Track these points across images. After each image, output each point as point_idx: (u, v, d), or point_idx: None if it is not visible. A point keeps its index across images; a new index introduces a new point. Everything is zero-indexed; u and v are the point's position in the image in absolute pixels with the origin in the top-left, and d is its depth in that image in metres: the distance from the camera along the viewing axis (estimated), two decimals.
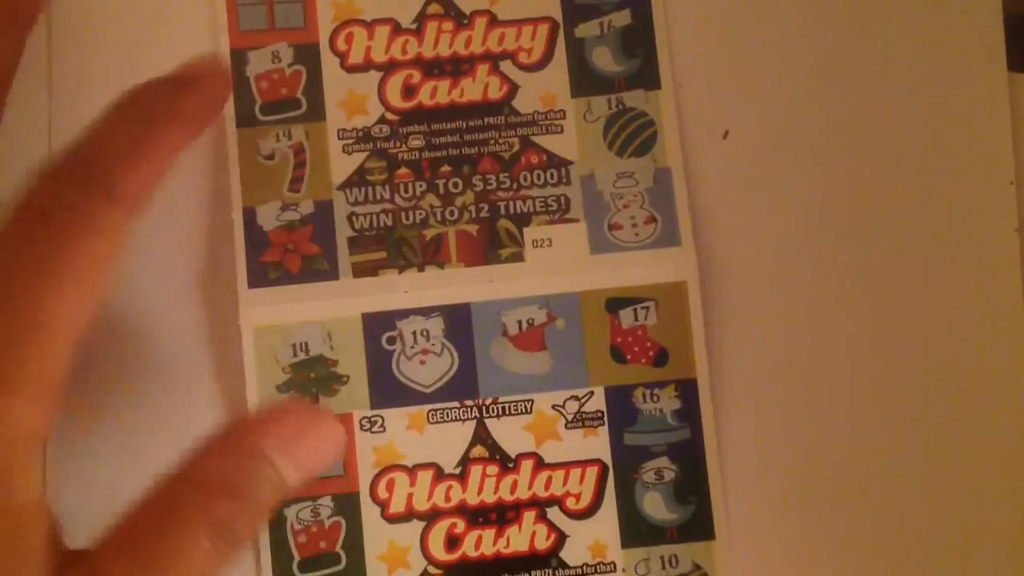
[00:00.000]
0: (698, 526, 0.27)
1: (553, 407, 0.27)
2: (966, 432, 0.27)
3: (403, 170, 0.27)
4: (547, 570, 0.27)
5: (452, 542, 0.27)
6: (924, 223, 0.28)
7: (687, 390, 0.27)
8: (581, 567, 0.27)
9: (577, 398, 0.27)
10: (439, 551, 0.27)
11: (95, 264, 0.21)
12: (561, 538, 0.27)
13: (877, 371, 0.28)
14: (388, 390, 0.27)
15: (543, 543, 0.27)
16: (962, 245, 0.28)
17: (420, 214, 0.27)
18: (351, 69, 0.28)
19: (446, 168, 0.27)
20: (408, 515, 0.27)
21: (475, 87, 0.28)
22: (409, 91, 0.28)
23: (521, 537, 0.27)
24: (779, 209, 0.28)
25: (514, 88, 0.28)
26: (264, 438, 0.22)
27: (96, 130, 0.22)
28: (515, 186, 0.28)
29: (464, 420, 0.27)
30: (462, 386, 0.27)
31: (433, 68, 0.28)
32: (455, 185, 0.27)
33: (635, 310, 0.27)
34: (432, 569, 0.27)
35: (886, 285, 0.28)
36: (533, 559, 0.27)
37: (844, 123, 0.28)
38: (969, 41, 0.28)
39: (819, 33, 0.28)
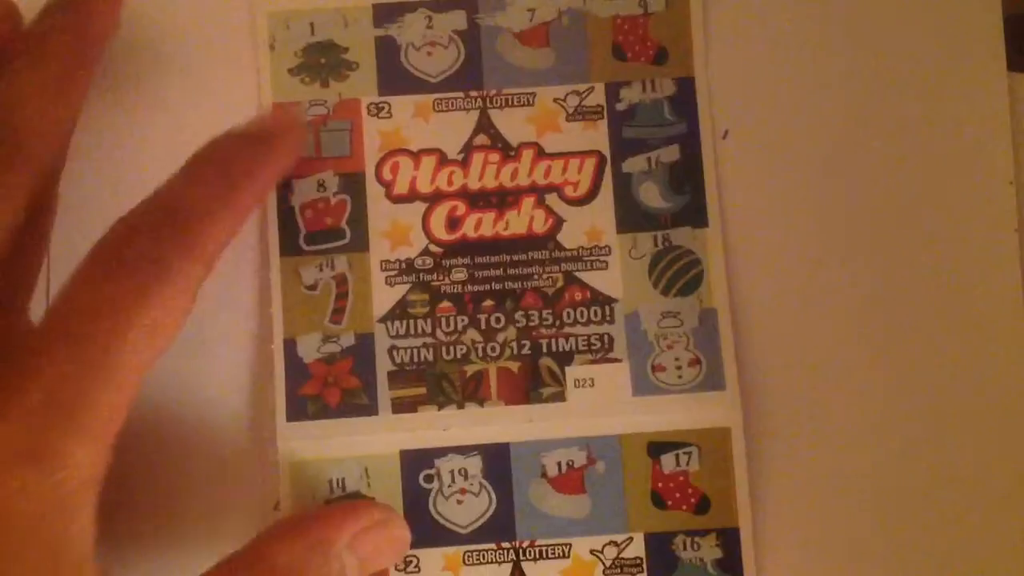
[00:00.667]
0: None
1: (591, 552, 0.27)
2: (966, 433, 0.27)
3: (445, 303, 0.27)
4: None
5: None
6: (923, 224, 0.28)
7: (729, 539, 0.26)
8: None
9: (616, 543, 0.27)
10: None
11: (167, 316, 0.21)
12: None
13: (872, 369, 0.27)
14: (424, 529, 0.27)
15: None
16: (961, 245, 0.28)
17: (461, 349, 0.27)
18: (396, 199, 0.28)
19: (489, 302, 0.27)
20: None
21: (520, 220, 0.28)
22: (454, 223, 0.28)
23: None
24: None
25: (559, 222, 0.28)
26: (338, 533, 0.23)
27: (178, 183, 0.23)
28: (558, 323, 0.27)
29: (500, 563, 0.26)
30: (499, 528, 0.27)
31: (478, 200, 0.28)
32: (497, 320, 0.27)
33: (677, 455, 0.27)
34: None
35: (882, 284, 0.28)
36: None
37: (842, 121, 0.28)
38: (969, 41, 0.28)
39: (817, 33, 0.28)
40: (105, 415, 0.20)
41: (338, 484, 0.27)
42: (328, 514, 0.24)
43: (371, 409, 0.27)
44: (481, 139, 0.28)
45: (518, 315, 0.27)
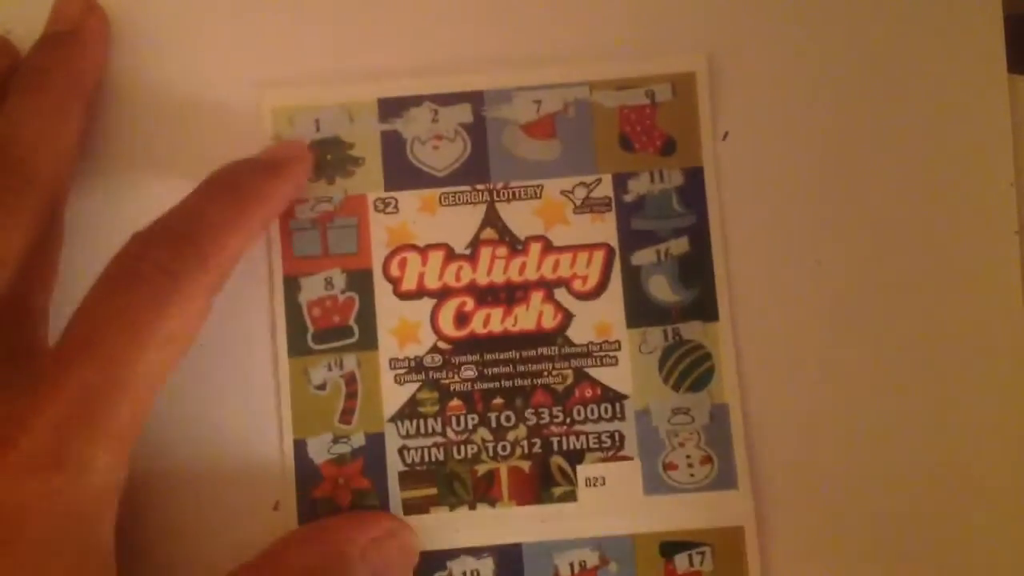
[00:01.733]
0: None
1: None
2: (966, 434, 0.27)
3: (455, 402, 0.27)
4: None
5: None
6: (924, 225, 0.28)
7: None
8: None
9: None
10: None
11: (183, 326, 0.22)
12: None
13: (872, 370, 0.27)
14: None
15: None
16: (962, 247, 0.27)
17: (472, 448, 0.27)
18: (404, 296, 0.28)
19: (498, 400, 0.27)
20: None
21: (529, 315, 0.27)
22: (462, 319, 0.27)
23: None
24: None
25: (568, 317, 0.27)
26: (349, 542, 0.25)
27: (192, 201, 0.24)
28: (568, 420, 0.27)
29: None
30: None
31: (487, 295, 0.28)
32: (507, 419, 0.27)
33: (690, 555, 0.27)
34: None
35: (883, 286, 0.27)
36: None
37: (842, 122, 0.28)
38: (969, 43, 0.28)
39: (817, 33, 0.28)
40: (125, 423, 0.21)
41: None
42: (341, 523, 0.25)
43: (382, 510, 0.27)
44: (488, 233, 0.28)
45: (528, 413, 0.27)
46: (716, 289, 0.27)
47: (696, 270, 0.28)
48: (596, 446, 0.27)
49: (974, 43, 0.28)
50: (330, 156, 0.28)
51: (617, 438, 0.27)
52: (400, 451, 0.27)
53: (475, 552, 0.27)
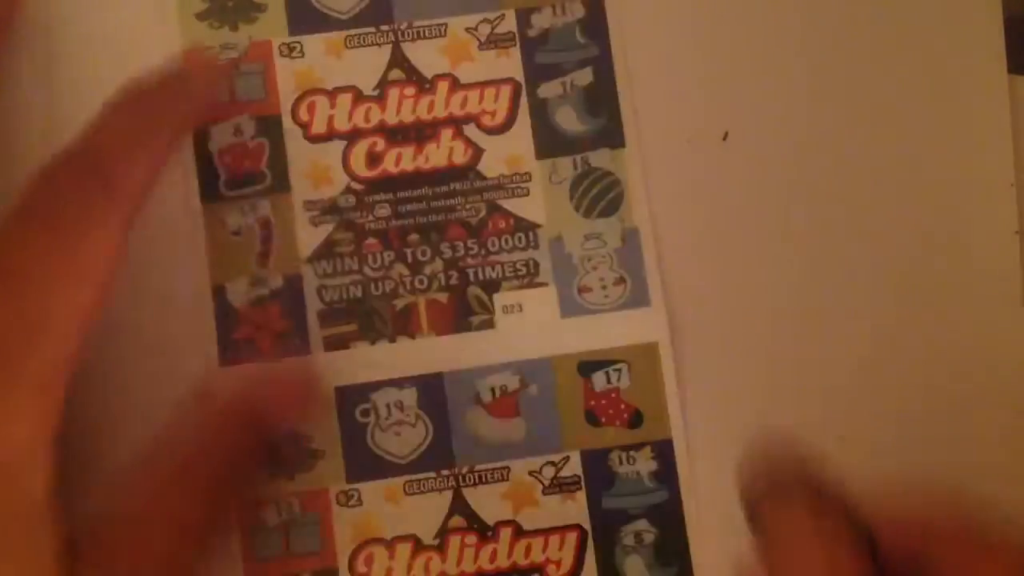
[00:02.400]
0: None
1: (530, 473, 0.27)
2: (966, 434, 0.27)
3: (371, 240, 0.27)
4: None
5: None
6: (924, 226, 0.28)
7: (663, 451, 0.27)
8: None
9: (553, 463, 0.27)
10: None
11: (96, 261, 0.21)
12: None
13: (874, 371, 0.28)
14: (364, 463, 0.27)
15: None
16: (962, 247, 0.28)
17: (390, 284, 0.27)
18: (314, 139, 0.28)
19: (414, 237, 0.27)
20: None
21: (440, 153, 0.28)
22: (374, 159, 0.28)
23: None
24: (762, 231, 0.28)
25: (479, 152, 0.28)
26: None
27: (94, 126, 0.22)
28: (483, 252, 0.27)
29: (441, 490, 0.27)
30: (438, 456, 0.27)
31: (397, 135, 0.28)
32: (423, 253, 0.27)
33: (607, 373, 0.27)
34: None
35: (885, 289, 0.28)
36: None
37: (843, 123, 0.28)
38: (969, 43, 0.28)
39: (817, 34, 0.28)
40: (50, 365, 0.20)
41: None
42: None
43: (303, 349, 0.27)
44: (396, 74, 0.28)
45: (444, 247, 0.27)
46: (622, 117, 0.28)
47: (602, 100, 0.28)
48: (512, 274, 0.27)
49: (974, 43, 0.28)
50: (231, 3, 0.28)
51: (532, 266, 0.27)
52: (319, 290, 0.27)
53: (397, 383, 0.27)
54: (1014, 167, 0.28)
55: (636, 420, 0.27)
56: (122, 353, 0.27)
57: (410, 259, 0.27)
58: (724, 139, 0.28)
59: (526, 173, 0.28)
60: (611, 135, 0.28)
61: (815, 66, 0.28)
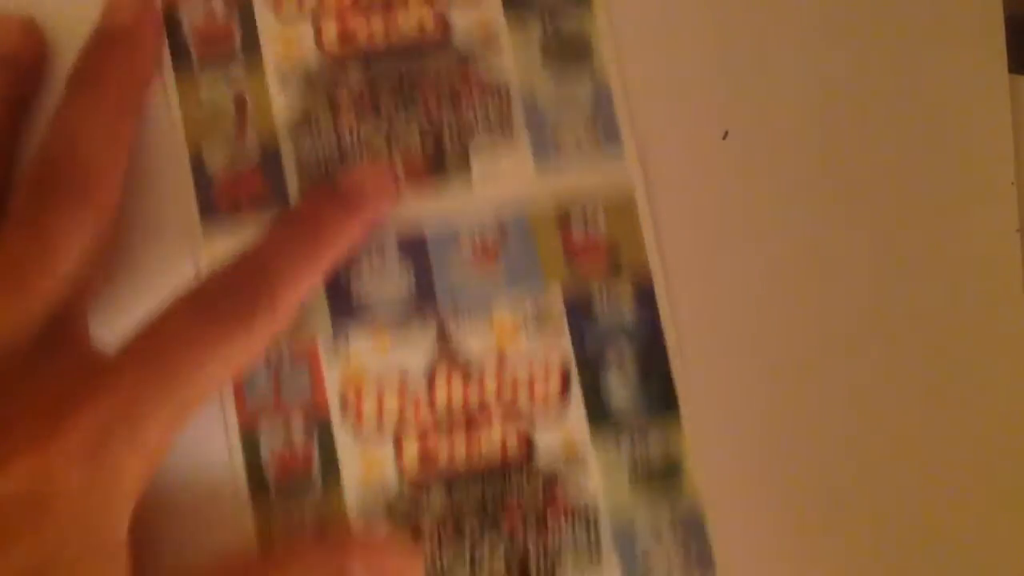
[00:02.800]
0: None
1: (512, 312, 0.28)
2: (965, 431, 0.28)
3: (346, 111, 0.28)
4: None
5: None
6: (924, 224, 0.28)
7: (643, 287, 0.28)
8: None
9: (535, 301, 0.28)
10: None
11: (244, 360, 0.23)
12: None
13: (875, 369, 0.28)
14: (349, 311, 0.27)
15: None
16: (962, 246, 0.28)
17: (365, 146, 0.28)
18: (286, 20, 0.28)
19: (389, 102, 0.28)
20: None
21: (409, 20, 0.28)
22: (346, 35, 0.28)
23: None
24: (767, 228, 0.28)
25: (447, 27, 0.28)
26: (354, 562, 0.25)
27: (273, 241, 0.25)
28: (458, 114, 0.28)
29: (426, 333, 0.27)
30: (421, 301, 0.27)
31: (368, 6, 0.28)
32: (401, 117, 0.28)
33: (585, 221, 0.28)
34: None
35: (885, 285, 0.28)
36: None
37: (843, 122, 0.28)
38: (969, 42, 0.28)
39: (816, 34, 0.29)
40: (163, 438, 0.22)
41: None
42: (347, 542, 0.25)
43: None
44: None
45: (419, 113, 0.28)
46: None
47: None
48: (486, 130, 0.28)
49: (974, 43, 0.28)
50: None
51: (506, 122, 0.28)
52: (297, 160, 0.28)
53: (378, 237, 0.28)
54: (1014, 166, 0.28)
55: (615, 267, 0.28)
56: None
57: (386, 123, 0.28)
58: (724, 138, 0.28)
59: (495, 35, 0.28)
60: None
61: (813, 64, 0.29)
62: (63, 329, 0.23)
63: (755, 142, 0.28)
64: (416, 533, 0.27)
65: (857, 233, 0.28)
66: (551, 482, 0.27)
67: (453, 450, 0.27)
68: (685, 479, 0.27)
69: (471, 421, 0.27)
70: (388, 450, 0.27)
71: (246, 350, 0.23)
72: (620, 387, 0.27)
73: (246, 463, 0.27)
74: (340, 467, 0.27)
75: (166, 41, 0.27)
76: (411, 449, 0.27)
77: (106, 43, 0.26)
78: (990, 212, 0.28)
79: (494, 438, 0.27)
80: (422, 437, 0.27)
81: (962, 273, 0.28)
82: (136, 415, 0.22)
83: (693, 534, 0.27)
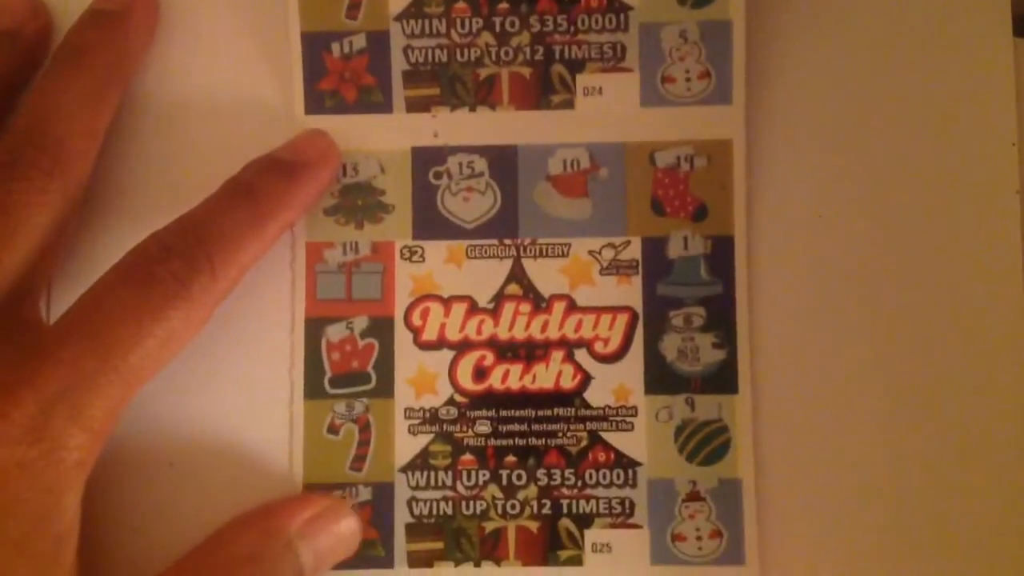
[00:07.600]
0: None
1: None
2: (964, 428, 0.27)
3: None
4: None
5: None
6: (923, 181, 0.28)
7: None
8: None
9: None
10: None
11: (184, 330, 0.23)
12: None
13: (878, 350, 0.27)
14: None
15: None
16: (963, 206, 0.28)
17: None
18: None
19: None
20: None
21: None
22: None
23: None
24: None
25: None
26: (288, 521, 0.25)
27: (210, 209, 0.24)
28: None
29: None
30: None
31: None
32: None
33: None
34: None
35: (886, 250, 0.28)
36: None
37: (845, 94, 0.28)
38: (975, 5, 0.28)
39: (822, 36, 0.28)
40: (108, 410, 0.22)
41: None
42: (278, 504, 0.25)
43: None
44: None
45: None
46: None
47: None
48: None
49: (980, 6, 0.28)
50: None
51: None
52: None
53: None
54: (1016, 126, 0.27)
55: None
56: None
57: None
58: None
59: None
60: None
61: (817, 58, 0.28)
62: (13, 308, 0.23)
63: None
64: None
65: (858, 226, 0.28)
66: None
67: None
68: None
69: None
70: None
71: (188, 317, 0.23)
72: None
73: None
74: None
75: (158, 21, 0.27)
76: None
77: (95, 21, 0.26)
78: (991, 172, 0.27)
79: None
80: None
81: (962, 232, 0.27)
82: (78, 390, 0.22)
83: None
